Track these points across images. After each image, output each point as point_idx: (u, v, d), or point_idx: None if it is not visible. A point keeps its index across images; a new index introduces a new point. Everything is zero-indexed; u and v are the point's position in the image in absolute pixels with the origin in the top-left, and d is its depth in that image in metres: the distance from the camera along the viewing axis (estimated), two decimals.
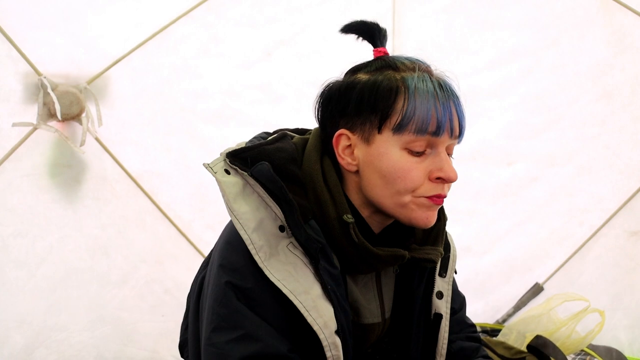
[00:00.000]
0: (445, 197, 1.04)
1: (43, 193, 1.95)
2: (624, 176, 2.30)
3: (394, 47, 2.32)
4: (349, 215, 1.00)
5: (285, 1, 2.17)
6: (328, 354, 0.98)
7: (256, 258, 0.96)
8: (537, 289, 2.53)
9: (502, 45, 2.28)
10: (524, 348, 2.02)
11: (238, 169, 1.02)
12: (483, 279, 2.54)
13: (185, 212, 2.24)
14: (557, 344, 1.98)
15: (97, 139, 2.03)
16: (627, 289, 2.30)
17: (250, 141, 1.11)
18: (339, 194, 1.02)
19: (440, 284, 1.19)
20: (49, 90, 1.86)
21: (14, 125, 1.84)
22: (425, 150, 1.00)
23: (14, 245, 1.89)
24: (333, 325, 0.98)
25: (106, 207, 2.08)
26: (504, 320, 2.54)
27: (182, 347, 1.23)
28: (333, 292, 0.98)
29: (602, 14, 2.15)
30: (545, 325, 2.09)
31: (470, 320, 1.36)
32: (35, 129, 1.90)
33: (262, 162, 1.00)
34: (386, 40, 1.09)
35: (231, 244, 1.01)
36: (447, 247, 1.23)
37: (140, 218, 2.17)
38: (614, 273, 2.34)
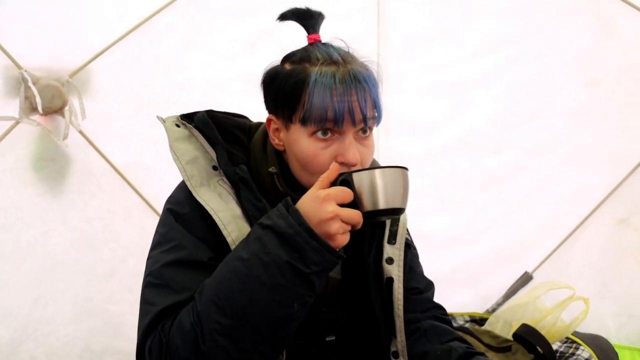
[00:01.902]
0: None
1: (27, 187, 1.94)
2: (611, 164, 2.30)
3: (379, 36, 2.31)
4: (273, 167, 1.17)
5: None
6: None
7: (188, 183, 1.14)
8: (526, 278, 2.53)
9: (488, 34, 2.27)
10: (510, 337, 2.02)
11: (186, 123, 1.22)
12: (472, 269, 2.55)
13: None
14: (543, 332, 1.99)
15: (81, 132, 2.02)
16: (615, 276, 2.31)
17: None
18: (271, 155, 1.19)
19: (390, 251, 1.28)
20: (30, 84, 1.85)
21: None
22: (333, 135, 1.10)
23: None
24: None
25: (92, 200, 2.08)
26: (494, 310, 2.54)
27: None
28: (254, 217, 1.11)
29: (587, 1, 2.14)
30: (532, 313, 2.10)
31: (440, 304, 1.39)
32: (17, 123, 1.89)
33: (201, 111, 1.22)
34: (319, 26, 1.19)
35: (178, 186, 1.22)
36: (396, 220, 1.32)
37: (126, 211, 2.17)
38: (602, 261, 2.35)
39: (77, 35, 1.95)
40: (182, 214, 1.14)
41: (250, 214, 1.12)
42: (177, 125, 1.21)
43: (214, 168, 1.18)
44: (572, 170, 2.35)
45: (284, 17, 1.21)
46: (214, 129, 1.18)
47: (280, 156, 1.20)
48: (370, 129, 1.15)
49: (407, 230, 1.37)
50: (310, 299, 1.02)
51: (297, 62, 1.12)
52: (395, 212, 1.06)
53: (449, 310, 2.41)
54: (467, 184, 2.46)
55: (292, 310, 1.00)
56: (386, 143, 2.39)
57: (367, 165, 1.15)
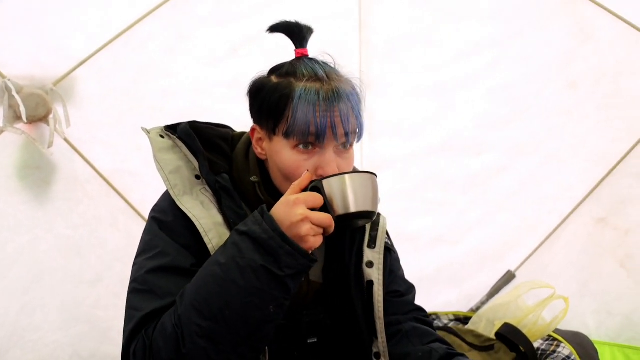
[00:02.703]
0: None
1: (12, 195, 1.95)
2: (590, 164, 2.34)
3: (361, 41, 2.33)
4: (255, 177, 1.22)
5: None
6: None
7: (171, 192, 1.18)
8: (509, 277, 2.57)
9: (469, 38, 2.30)
10: (493, 336, 2.06)
11: (170, 134, 1.26)
12: (456, 268, 2.59)
13: None
14: (525, 331, 2.03)
15: (66, 140, 2.03)
16: (595, 275, 2.36)
17: None
18: (254, 164, 1.24)
19: (370, 255, 1.32)
20: (14, 93, 1.85)
21: None
22: (314, 149, 1.15)
23: None
24: None
25: (77, 207, 2.09)
26: (478, 308, 2.58)
27: None
28: (234, 224, 1.14)
29: (565, 6, 2.18)
30: (514, 312, 2.14)
31: (421, 307, 1.43)
32: (1, 131, 1.89)
33: (184, 123, 1.26)
34: (307, 41, 1.23)
35: (162, 195, 1.26)
36: (375, 225, 1.36)
37: (113, 217, 2.18)
38: (582, 260, 2.40)
39: (60, 43, 1.96)
40: (166, 222, 1.18)
41: (231, 222, 1.16)
42: (162, 136, 1.25)
43: (197, 177, 1.21)
44: (552, 170, 2.39)
45: (273, 29, 1.24)
46: (196, 140, 1.22)
47: (262, 165, 1.24)
48: (351, 144, 1.19)
49: (388, 235, 1.41)
50: (286, 302, 1.05)
51: (284, 76, 1.15)
52: (366, 216, 1.10)
53: (433, 309, 2.48)
54: (450, 185, 2.50)
55: (268, 312, 1.03)
56: (370, 146, 2.42)
57: None
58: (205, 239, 1.13)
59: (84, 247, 2.10)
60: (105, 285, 2.14)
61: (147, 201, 2.20)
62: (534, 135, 2.37)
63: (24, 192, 1.97)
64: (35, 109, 1.93)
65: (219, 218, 1.17)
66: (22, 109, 1.87)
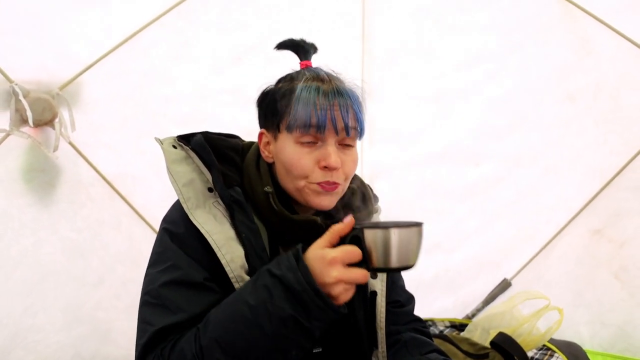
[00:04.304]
0: (337, 184, 1.20)
1: (17, 198, 1.97)
2: (587, 177, 2.37)
3: (363, 50, 2.36)
4: (269, 187, 1.22)
5: (254, 6, 2.20)
6: (235, 285, 1.14)
7: (184, 206, 1.18)
8: (505, 285, 2.60)
9: (469, 49, 2.34)
10: (487, 344, 2.09)
11: (183, 144, 1.26)
12: (453, 275, 2.62)
13: (160, 213, 2.19)
14: (520, 340, 2.06)
15: (71, 144, 2.05)
16: (589, 285, 2.38)
17: None
18: (265, 174, 1.25)
19: None
20: (21, 97, 1.88)
21: None
22: (316, 143, 1.18)
23: None
24: (240, 261, 1.16)
25: (81, 210, 2.12)
26: (473, 315, 2.61)
27: None
28: (247, 239, 1.18)
29: (566, 20, 2.20)
30: (509, 322, 2.17)
31: (420, 317, 1.47)
32: (8, 135, 1.92)
33: (198, 134, 1.26)
34: (310, 54, 1.30)
35: (173, 205, 1.26)
36: None
37: (115, 220, 2.21)
38: (576, 270, 2.42)
39: (66, 49, 1.98)
40: (178, 234, 1.18)
41: (243, 236, 1.17)
42: (174, 147, 1.26)
43: (210, 190, 1.22)
44: (550, 181, 2.42)
45: (281, 46, 1.31)
46: (211, 153, 1.23)
47: (273, 176, 1.26)
48: (353, 142, 1.22)
49: None
50: (307, 345, 1.04)
51: (288, 81, 1.22)
52: (405, 269, 1.02)
53: (430, 314, 2.51)
54: (448, 194, 2.53)
55: (290, 355, 1.04)
56: (370, 153, 2.45)
57: (350, 175, 1.22)
58: (219, 254, 1.14)
59: (87, 249, 2.13)
60: (107, 287, 2.16)
61: (150, 205, 2.26)
62: (532, 146, 2.40)
63: (29, 194, 1.99)
64: (42, 113, 1.95)
65: (231, 232, 1.18)
66: (29, 113, 1.89)
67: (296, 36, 1.30)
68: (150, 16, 2.07)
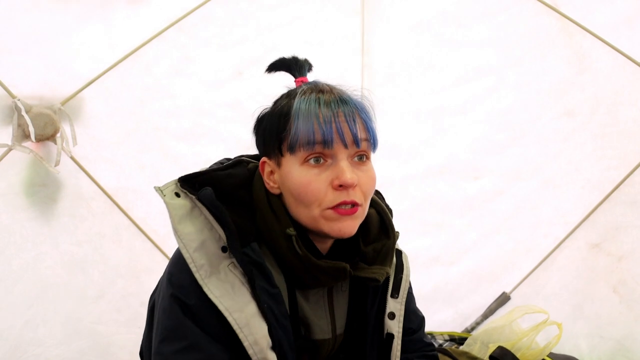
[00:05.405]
0: (355, 203, 1.06)
1: (19, 212, 1.98)
2: (585, 190, 2.37)
3: (363, 65, 2.38)
4: (291, 229, 1.08)
5: (255, 21, 2.22)
6: None
7: (196, 275, 1.04)
8: (504, 298, 2.61)
9: (468, 64, 2.35)
10: (487, 358, 2.10)
11: (187, 192, 1.10)
12: (452, 288, 2.63)
13: (160, 227, 2.29)
14: (519, 354, 2.06)
15: (72, 158, 2.07)
16: (588, 299, 2.38)
17: (210, 167, 1.21)
18: (281, 213, 1.10)
19: (392, 305, 1.24)
20: (23, 112, 1.90)
21: None
22: (326, 161, 1.05)
23: None
24: (265, 342, 1.04)
25: (82, 224, 2.13)
26: (472, 329, 2.62)
27: (142, 354, 1.30)
28: (270, 310, 1.05)
29: (563, 36, 2.22)
30: (508, 336, 2.17)
31: (428, 339, 1.42)
32: (10, 149, 1.94)
33: (207, 187, 1.09)
34: (305, 70, 1.18)
35: (180, 261, 1.07)
36: (401, 267, 1.28)
37: (116, 234, 2.22)
38: (575, 284, 2.43)
39: (68, 64, 2.00)
40: (189, 305, 1.05)
41: (265, 307, 1.05)
42: (177, 194, 1.11)
43: (223, 250, 1.07)
44: (548, 195, 2.43)
45: (272, 68, 1.20)
46: (224, 212, 1.08)
47: (287, 211, 1.12)
48: (367, 155, 1.09)
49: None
50: None
51: (284, 99, 1.11)
52: None
53: (429, 328, 2.52)
54: (447, 207, 2.54)
55: None
56: None
57: (369, 194, 1.09)
58: (240, 335, 1.03)
59: (88, 263, 2.14)
60: (107, 301, 2.17)
61: (149, 218, 2.27)
62: (531, 160, 2.41)
63: (30, 208, 2.01)
64: (44, 128, 1.97)
65: (252, 307, 1.05)
66: (31, 128, 1.91)
67: (287, 54, 1.20)
68: (151, 32, 2.09)
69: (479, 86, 2.36)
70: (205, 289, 1.03)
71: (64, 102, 2.02)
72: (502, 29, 2.29)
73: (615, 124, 2.24)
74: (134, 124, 2.15)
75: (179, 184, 1.12)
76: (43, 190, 2.03)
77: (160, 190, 1.11)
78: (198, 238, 1.06)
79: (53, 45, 1.95)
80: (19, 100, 1.91)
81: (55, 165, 2.00)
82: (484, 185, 2.48)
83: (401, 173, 2.50)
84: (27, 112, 1.92)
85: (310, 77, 1.19)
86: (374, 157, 2.46)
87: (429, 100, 2.41)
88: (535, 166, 2.42)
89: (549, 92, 2.32)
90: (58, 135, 2.01)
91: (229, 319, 1.02)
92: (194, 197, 1.09)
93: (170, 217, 1.07)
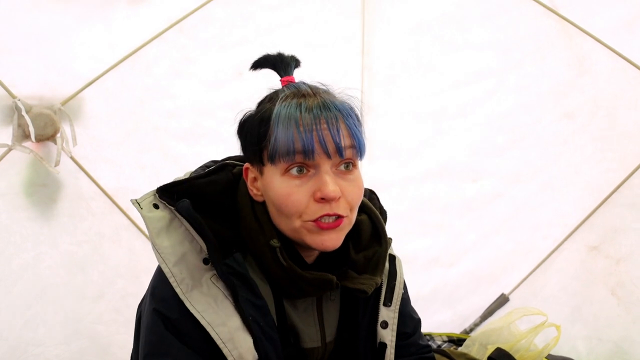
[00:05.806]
0: (341, 217, 1.02)
1: (18, 212, 1.98)
2: (585, 193, 2.38)
3: (363, 66, 2.38)
4: (275, 240, 1.04)
5: (255, 22, 2.22)
6: None
7: (177, 290, 1.01)
8: (503, 300, 2.62)
9: (468, 66, 2.35)
10: (485, 359, 2.10)
11: (166, 203, 1.06)
12: (451, 290, 2.63)
13: None
14: (517, 356, 2.06)
15: (72, 158, 2.07)
16: (586, 301, 2.38)
17: (194, 171, 1.18)
18: (266, 222, 1.06)
19: (385, 314, 1.22)
20: (23, 112, 1.90)
21: None
22: (309, 172, 1.00)
23: None
24: (251, 355, 1.02)
25: (82, 224, 2.13)
26: (471, 330, 2.62)
27: None
28: (255, 322, 1.03)
29: (563, 38, 2.22)
30: (506, 337, 2.17)
31: (425, 341, 1.39)
32: (10, 150, 1.94)
33: (184, 199, 1.05)
34: (291, 68, 1.13)
35: (162, 274, 1.03)
36: (394, 275, 1.25)
37: (116, 234, 2.22)
38: (574, 286, 2.43)
39: (68, 64, 2.00)
40: (172, 319, 1.02)
41: (250, 319, 1.03)
42: (155, 206, 1.05)
43: (205, 262, 1.04)
44: (547, 198, 2.44)
45: (256, 65, 1.16)
46: (204, 226, 1.03)
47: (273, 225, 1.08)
48: (353, 163, 1.03)
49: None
50: None
51: (266, 102, 1.06)
52: None
53: (428, 329, 2.53)
54: (447, 209, 2.55)
55: None
56: (369, 169, 2.47)
57: (355, 204, 1.04)
58: (225, 350, 1.01)
59: (87, 263, 2.14)
60: (107, 301, 2.17)
61: None
62: (530, 163, 2.42)
63: (30, 208, 2.01)
64: (44, 128, 1.97)
65: (236, 320, 1.02)
66: (31, 128, 1.91)
67: (272, 51, 1.15)
68: (151, 32, 2.08)
69: (479, 88, 2.37)
70: (187, 304, 1.00)
71: (64, 102, 2.02)
72: (502, 31, 2.30)
73: (614, 126, 2.25)
74: (134, 124, 2.15)
75: (157, 195, 1.07)
76: (43, 190, 2.03)
77: (137, 202, 1.06)
78: (178, 251, 1.03)
79: (53, 46, 1.95)
80: (19, 100, 1.91)
81: (55, 166, 2.00)
82: (483, 187, 2.48)
83: (401, 174, 2.51)
84: (27, 112, 1.92)
85: (300, 74, 1.14)
86: (374, 157, 2.48)
87: (429, 102, 2.41)
88: (535, 168, 2.42)
89: (549, 95, 2.32)
90: (58, 135, 2.01)
91: (212, 333, 1.00)
92: (172, 208, 1.05)
93: (148, 230, 1.04)
